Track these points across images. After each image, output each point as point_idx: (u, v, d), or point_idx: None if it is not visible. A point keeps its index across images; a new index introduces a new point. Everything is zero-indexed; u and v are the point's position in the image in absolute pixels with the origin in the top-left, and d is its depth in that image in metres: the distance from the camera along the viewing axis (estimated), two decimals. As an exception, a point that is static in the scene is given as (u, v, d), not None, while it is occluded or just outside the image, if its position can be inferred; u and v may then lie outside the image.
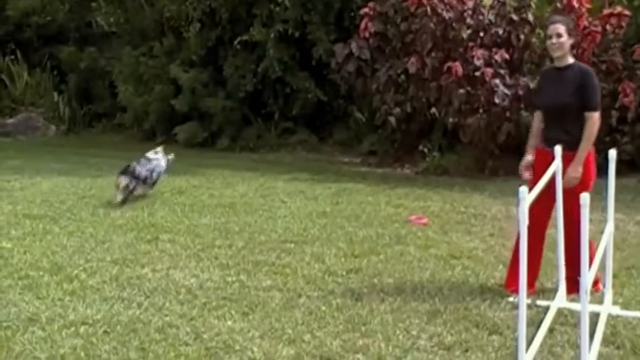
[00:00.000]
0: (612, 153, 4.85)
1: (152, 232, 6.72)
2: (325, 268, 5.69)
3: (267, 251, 6.14)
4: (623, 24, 10.26)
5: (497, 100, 10.01)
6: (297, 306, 4.86)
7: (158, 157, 8.45)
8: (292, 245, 6.32)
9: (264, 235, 6.68)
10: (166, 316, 4.65)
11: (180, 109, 13.02)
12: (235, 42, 12.71)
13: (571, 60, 5.09)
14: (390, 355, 4.12)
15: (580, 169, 4.91)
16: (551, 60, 5.30)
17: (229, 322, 4.55)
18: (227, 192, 8.72)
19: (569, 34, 5.02)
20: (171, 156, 8.66)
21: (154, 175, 8.26)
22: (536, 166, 5.03)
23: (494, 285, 5.32)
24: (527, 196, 3.73)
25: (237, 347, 4.19)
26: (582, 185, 4.83)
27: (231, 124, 12.96)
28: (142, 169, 8.10)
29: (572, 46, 5.12)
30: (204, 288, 5.19)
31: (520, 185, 3.50)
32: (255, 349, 4.15)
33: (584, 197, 3.66)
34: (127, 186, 7.92)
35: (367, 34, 10.91)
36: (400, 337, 4.37)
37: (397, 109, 10.99)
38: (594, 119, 4.95)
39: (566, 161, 4.79)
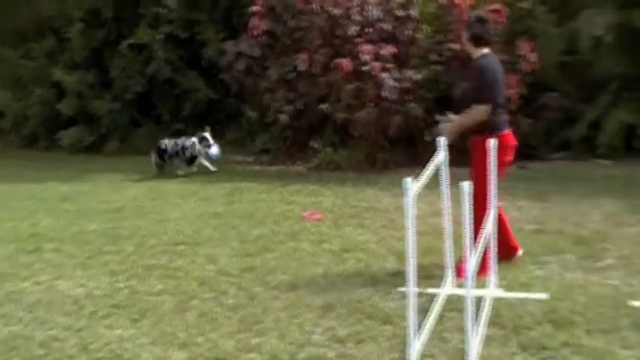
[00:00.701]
0: (491, 142, 5.03)
1: (34, 242, 6.45)
2: (218, 268, 5.62)
3: (159, 255, 6.01)
4: (503, 19, 10.65)
5: (385, 94, 10.19)
6: (190, 309, 4.78)
7: (191, 140, 10.38)
8: (184, 247, 6.21)
9: (155, 238, 6.54)
10: (51, 329, 4.47)
11: (66, 113, 12.58)
12: (122, 45, 12.39)
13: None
14: (284, 352, 4.11)
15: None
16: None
17: (118, 331, 4.42)
18: (116, 196, 8.48)
19: None
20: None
21: (187, 153, 10.24)
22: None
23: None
24: (412, 187, 3.82)
25: (127, 356, 4.08)
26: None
27: (119, 127, 12.65)
28: (169, 145, 10.32)
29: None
30: (91, 297, 5.02)
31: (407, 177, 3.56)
32: (146, 356, 4.05)
33: (465, 185, 3.76)
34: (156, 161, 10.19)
35: (257, 33, 10.86)
36: (294, 333, 4.36)
37: (288, 107, 11.00)
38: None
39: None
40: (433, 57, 11.09)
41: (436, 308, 4.54)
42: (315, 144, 11.06)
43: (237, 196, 8.39)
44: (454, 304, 4.67)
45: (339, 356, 4.07)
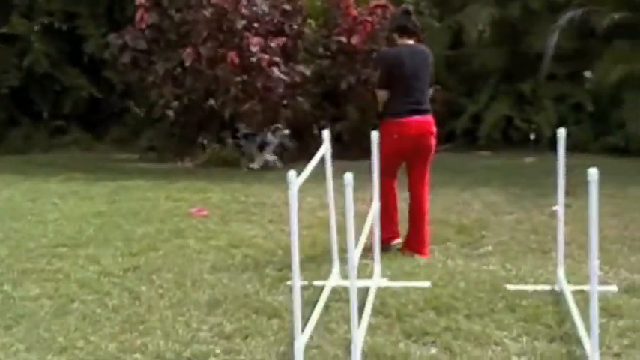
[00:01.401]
0: (374, 135, 5.10)
1: None
2: (101, 269, 5.44)
3: (36, 258, 5.74)
4: (388, 15, 10.85)
5: (274, 87, 10.18)
6: (70, 312, 4.60)
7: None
8: (65, 249, 5.97)
9: (33, 240, 6.26)
10: None
11: None
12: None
13: None
14: (170, 351, 4.02)
15: None
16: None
17: (-10, 339, 4.19)
18: (-11, 198, 8.07)
19: None
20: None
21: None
22: None
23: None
24: (295, 180, 3.82)
25: (0, 363, 3.87)
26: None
27: (-7, 123, 12.05)
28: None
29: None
30: (-40, 305, 4.74)
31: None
32: (21, 363, 3.87)
33: (348, 177, 3.78)
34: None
35: (143, 26, 10.60)
36: (180, 331, 4.28)
37: (175, 102, 10.81)
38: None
39: None
40: (320, 51, 11.20)
41: (322, 300, 4.58)
42: (203, 140, 10.93)
43: (121, 195, 8.16)
44: (340, 295, 4.71)
45: (225, 352, 4.02)
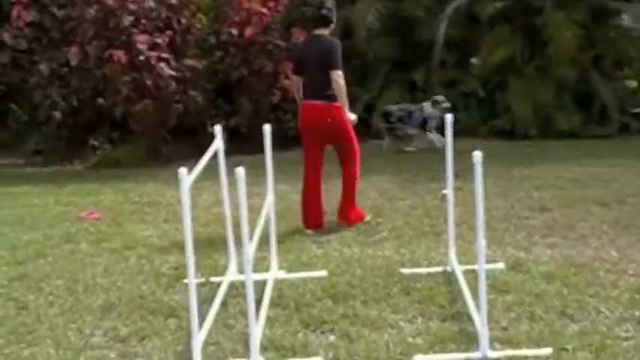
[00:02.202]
0: (266, 128, 5.09)
1: None
2: (-16, 280, 5.19)
3: None
4: (280, 8, 10.84)
5: (163, 85, 9.98)
6: (-48, 326, 4.36)
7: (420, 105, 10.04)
8: (-55, 261, 5.67)
9: None
10: None
11: None
12: None
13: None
14: (61, 359, 3.89)
15: None
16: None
17: None
18: None
19: None
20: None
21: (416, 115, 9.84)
22: None
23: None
24: (187, 177, 3.76)
25: None
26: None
27: None
28: (396, 111, 9.97)
29: None
30: None
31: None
32: None
33: (239, 172, 3.74)
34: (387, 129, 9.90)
35: (21, 24, 10.15)
36: (72, 338, 4.14)
37: (62, 103, 10.44)
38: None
39: None
40: (211, 43, 11.06)
41: (220, 296, 4.53)
42: (94, 141, 10.60)
43: (5, 202, 7.80)
44: (238, 290, 4.69)
45: (120, 356, 3.93)
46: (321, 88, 6.00)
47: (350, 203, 6.24)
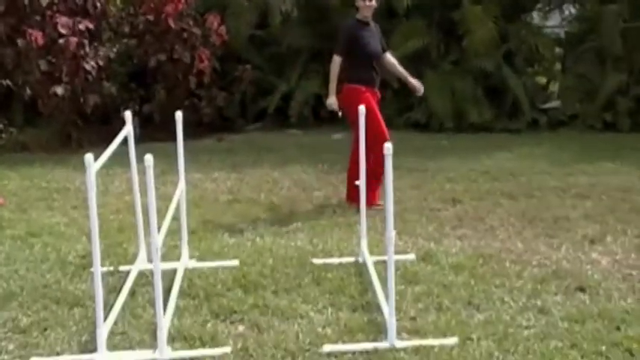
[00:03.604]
0: (178, 115, 4.98)
1: None
2: None
3: None
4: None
5: (84, 70, 9.67)
6: None
7: None
8: None
9: None
10: None
11: None
12: None
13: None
14: (-44, 352, 3.72)
15: None
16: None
17: None
18: None
19: None
20: None
21: None
22: (371, 101, 6.23)
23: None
24: (94, 164, 3.66)
25: None
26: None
27: None
28: None
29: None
30: None
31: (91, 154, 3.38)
32: None
33: (148, 159, 3.66)
34: None
35: None
36: (-32, 329, 3.96)
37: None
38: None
39: (376, 96, 6.39)
40: (126, 31, 10.80)
41: (128, 285, 4.43)
42: (0, 123, 10.18)
43: None
44: (148, 279, 4.59)
45: (20, 347, 3.79)
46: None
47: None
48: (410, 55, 10.21)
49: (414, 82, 6.66)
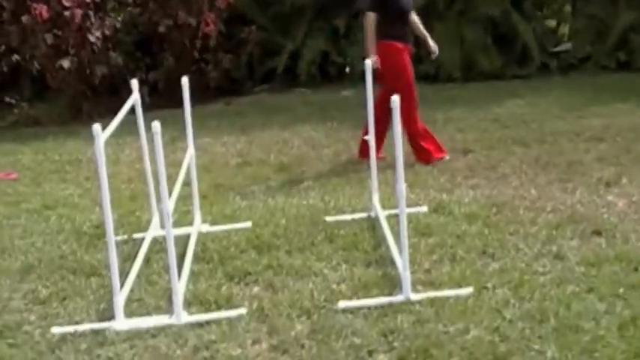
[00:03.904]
0: (184, 80, 4.93)
1: None
2: None
3: None
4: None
5: (90, 41, 9.64)
6: None
7: None
8: None
9: None
10: None
11: None
12: None
13: None
14: (-23, 326, 3.78)
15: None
16: None
17: None
18: None
19: None
20: None
21: None
22: (406, 59, 6.18)
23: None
24: (102, 134, 3.67)
25: None
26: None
27: None
28: None
29: None
30: None
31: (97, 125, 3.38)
32: None
33: (155, 126, 3.65)
34: None
35: None
36: (-13, 304, 4.02)
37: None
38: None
39: (410, 52, 6.31)
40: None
41: (142, 252, 4.46)
42: (10, 100, 10.20)
43: None
44: (162, 246, 4.60)
45: (41, 318, 3.84)
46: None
47: (419, 148, 6.26)
48: (417, 8, 10.05)
49: (432, 43, 6.53)
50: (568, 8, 11.99)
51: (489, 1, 10.69)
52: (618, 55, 10.63)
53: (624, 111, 7.78)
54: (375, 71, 6.02)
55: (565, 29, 11.81)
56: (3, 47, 10.06)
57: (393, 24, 6.12)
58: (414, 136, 6.21)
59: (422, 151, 6.21)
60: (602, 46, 10.77)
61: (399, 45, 6.15)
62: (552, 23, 11.90)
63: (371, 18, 6.08)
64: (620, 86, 9.28)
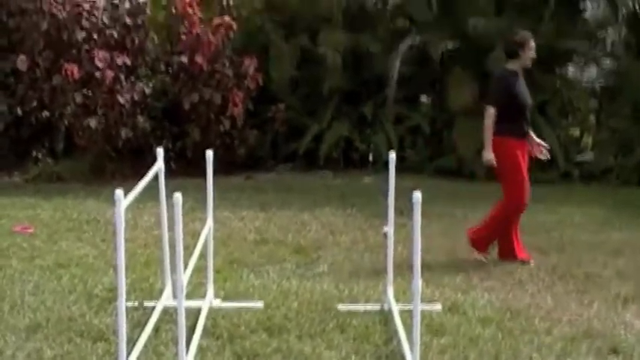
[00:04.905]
0: (209, 154, 4.97)
1: None
2: None
3: None
4: (231, 34, 10.77)
5: (119, 103, 9.85)
6: None
7: None
8: None
9: None
10: None
11: None
12: None
13: None
14: (-21, 381, 3.73)
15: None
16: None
17: None
18: None
19: None
20: None
21: None
22: (519, 158, 6.16)
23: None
24: (123, 200, 3.68)
25: None
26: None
27: None
28: None
29: None
30: None
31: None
32: None
33: (176, 197, 3.67)
34: None
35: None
36: (-10, 361, 3.98)
37: (6, 113, 10.21)
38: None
39: (526, 149, 6.27)
40: (161, 67, 10.98)
41: (152, 321, 4.42)
42: (37, 153, 10.35)
43: None
44: (172, 316, 4.56)
45: (42, 379, 3.78)
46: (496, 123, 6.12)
47: (482, 233, 6.28)
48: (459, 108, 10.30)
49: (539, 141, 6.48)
50: (592, 119, 12.14)
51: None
52: (641, 172, 10.66)
53: (644, 227, 7.74)
54: (490, 168, 6.23)
55: (589, 139, 11.92)
56: (35, 102, 10.27)
57: (511, 120, 6.11)
58: (494, 232, 6.25)
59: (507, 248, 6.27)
60: (625, 159, 10.82)
61: (514, 141, 6.14)
62: (576, 132, 12.02)
63: (491, 113, 6.06)
64: (641, 201, 9.26)
